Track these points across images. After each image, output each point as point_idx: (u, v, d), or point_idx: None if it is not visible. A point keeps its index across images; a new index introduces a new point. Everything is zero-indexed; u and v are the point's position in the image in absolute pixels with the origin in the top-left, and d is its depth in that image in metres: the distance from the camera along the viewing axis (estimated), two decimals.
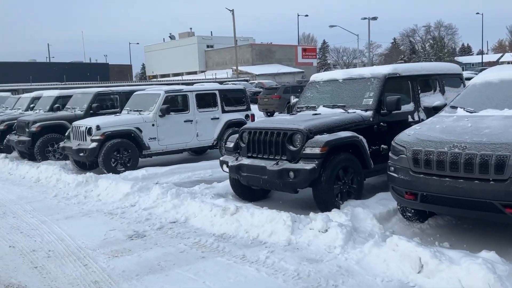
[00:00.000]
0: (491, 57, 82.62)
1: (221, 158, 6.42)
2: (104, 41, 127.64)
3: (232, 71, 46.88)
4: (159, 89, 10.47)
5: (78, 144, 9.33)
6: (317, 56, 63.10)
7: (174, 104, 10.28)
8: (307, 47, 56.79)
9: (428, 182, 4.17)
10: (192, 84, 29.93)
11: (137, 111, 10.11)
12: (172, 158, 10.94)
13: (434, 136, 4.30)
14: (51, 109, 13.08)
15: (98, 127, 9.21)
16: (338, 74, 6.86)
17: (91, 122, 9.53)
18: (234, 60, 52.02)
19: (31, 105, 14.86)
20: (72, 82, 35.29)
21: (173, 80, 42.21)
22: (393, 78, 6.35)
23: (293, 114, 6.60)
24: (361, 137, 5.62)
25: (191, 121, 10.34)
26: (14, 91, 28.64)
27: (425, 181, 4.19)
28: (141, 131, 9.61)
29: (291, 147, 5.50)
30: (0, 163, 10.99)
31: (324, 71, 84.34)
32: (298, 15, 71.27)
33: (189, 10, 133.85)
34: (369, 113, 6.00)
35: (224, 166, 6.26)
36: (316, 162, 5.19)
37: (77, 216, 6.14)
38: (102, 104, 11.81)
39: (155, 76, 63.34)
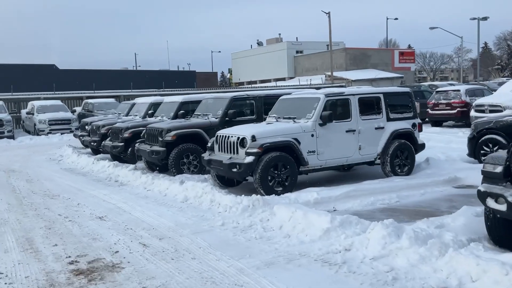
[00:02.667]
0: None
1: (482, 189, 4.46)
2: (187, 50, 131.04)
3: (325, 76, 44.80)
4: (316, 92, 8.78)
5: (230, 158, 7.84)
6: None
7: (333, 110, 8.52)
8: (405, 51, 53.06)
9: None
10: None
11: (290, 118, 8.48)
12: (317, 176, 9.18)
13: None
14: (176, 115, 11.96)
15: (253, 138, 7.66)
16: None
17: (243, 131, 8.02)
18: (325, 65, 49.96)
19: (149, 111, 13.93)
20: (170, 89, 35.18)
21: (267, 87, 40.99)
22: None
23: None
24: None
25: (354, 131, 8.54)
26: (116, 97, 28.77)
27: None
28: (299, 142, 7.96)
29: None
30: (131, 176, 9.87)
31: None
32: (387, 19, 67.83)
33: (273, 16, 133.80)
34: None
35: (491, 201, 4.30)
36: None
37: (279, 262, 4.50)
38: (238, 110, 10.39)
39: (241, 83, 62.85)
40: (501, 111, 16.58)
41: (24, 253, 5.17)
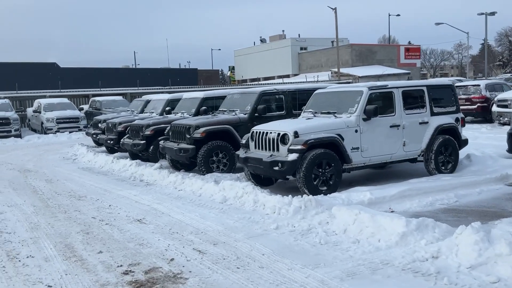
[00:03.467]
0: None
1: None
2: (187, 48, 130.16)
3: (331, 73, 44.32)
4: (358, 85, 8.29)
5: (271, 155, 7.35)
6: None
7: (377, 104, 8.02)
8: (410, 47, 52.51)
9: None
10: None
11: (329, 113, 8.00)
12: (354, 174, 8.70)
13: None
14: (198, 112, 11.48)
15: (296, 134, 7.18)
16: None
17: (283, 127, 7.54)
18: (331, 62, 49.48)
19: (167, 108, 13.43)
20: (177, 86, 34.62)
21: (274, 84, 40.44)
22: None
23: None
24: None
25: (398, 126, 8.06)
26: (123, 95, 28.24)
27: None
28: (343, 139, 7.47)
29: None
30: (157, 175, 9.38)
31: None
32: (389, 15, 67.39)
33: (275, 13, 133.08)
34: None
35: None
36: None
37: (363, 272, 4.01)
38: (267, 106, 9.92)
39: (244, 81, 62.31)
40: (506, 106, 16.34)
41: (67, 261, 4.68)
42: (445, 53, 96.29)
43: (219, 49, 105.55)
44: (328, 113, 8.06)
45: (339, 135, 7.44)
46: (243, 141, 8.32)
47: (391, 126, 7.99)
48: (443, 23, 44.74)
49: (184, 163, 10.27)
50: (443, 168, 8.50)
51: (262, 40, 62.85)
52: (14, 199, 8.04)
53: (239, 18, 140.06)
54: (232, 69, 72.05)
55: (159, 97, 14.93)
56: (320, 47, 53.47)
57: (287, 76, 53.46)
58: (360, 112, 7.67)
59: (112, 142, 13.35)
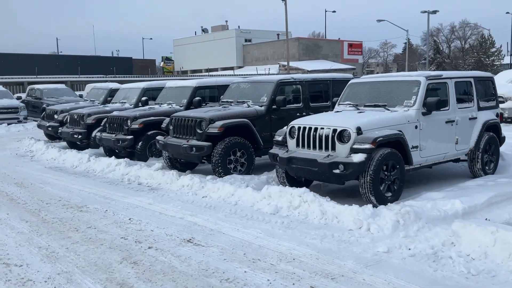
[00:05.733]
0: None
1: None
2: (115, 37, 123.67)
3: (279, 66, 43.58)
4: (411, 74, 7.26)
5: (328, 156, 6.12)
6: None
7: (433, 96, 7.05)
8: (353, 43, 53.08)
9: None
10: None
11: (377, 106, 6.95)
12: None
13: None
14: (190, 102, 10.01)
15: (359, 130, 6.03)
16: None
17: (338, 121, 6.34)
18: (277, 55, 48.84)
19: (143, 98, 11.73)
20: (124, 75, 32.05)
21: (223, 75, 38.91)
22: None
23: None
24: None
25: (452, 121, 7.19)
26: (62, 83, 25.50)
27: None
28: (404, 136, 6.45)
29: None
30: (160, 177, 7.83)
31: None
32: (326, 11, 68.17)
33: (212, 3, 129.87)
34: None
35: None
36: None
37: None
38: (286, 97, 8.70)
39: (185, 72, 59.94)
40: (503, 102, 16.39)
41: None
42: (372, 51, 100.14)
43: (151, 39, 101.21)
44: (376, 105, 7.00)
45: (400, 131, 6.40)
46: (279, 138, 7.02)
47: (446, 122, 7.09)
48: (384, 20, 45.74)
49: (183, 163, 8.82)
50: (486, 168, 7.79)
51: (204, 30, 60.78)
52: None
53: (172, 7, 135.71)
54: (165, 59, 69.13)
55: (131, 86, 13.13)
56: (265, 40, 52.58)
57: (231, 68, 52.12)
58: (420, 105, 6.67)
59: (80, 136, 11.41)
